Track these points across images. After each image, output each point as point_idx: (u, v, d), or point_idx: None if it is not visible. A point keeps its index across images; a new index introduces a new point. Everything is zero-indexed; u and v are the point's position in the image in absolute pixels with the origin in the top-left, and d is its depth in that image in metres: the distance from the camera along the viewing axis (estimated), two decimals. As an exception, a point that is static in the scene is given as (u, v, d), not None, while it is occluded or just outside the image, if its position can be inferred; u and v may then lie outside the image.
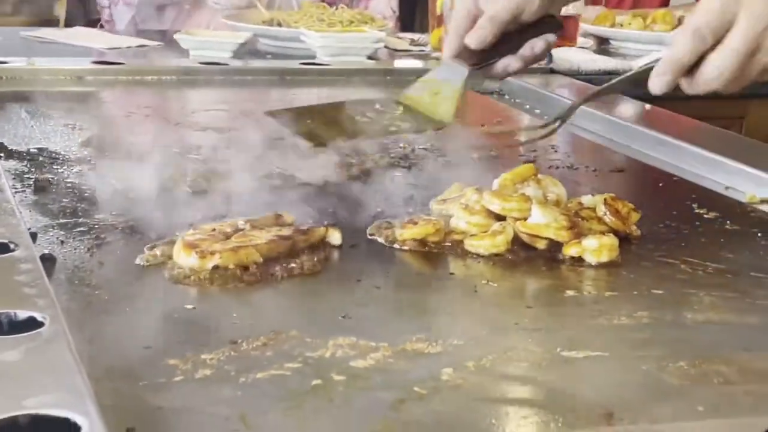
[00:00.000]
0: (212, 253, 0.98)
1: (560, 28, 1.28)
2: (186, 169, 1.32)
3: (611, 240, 1.09)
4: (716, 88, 1.03)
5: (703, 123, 1.71)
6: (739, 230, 1.21)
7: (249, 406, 0.75)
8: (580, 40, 2.46)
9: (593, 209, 1.16)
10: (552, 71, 2.14)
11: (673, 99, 2.06)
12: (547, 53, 1.28)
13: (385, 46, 2.31)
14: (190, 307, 0.93)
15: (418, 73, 2.06)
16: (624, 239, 1.13)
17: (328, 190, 1.30)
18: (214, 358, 0.82)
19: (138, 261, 1.02)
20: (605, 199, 1.16)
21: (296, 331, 0.88)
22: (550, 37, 1.24)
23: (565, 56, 2.18)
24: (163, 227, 1.10)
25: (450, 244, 1.11)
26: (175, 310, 0.92)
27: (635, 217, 1.16)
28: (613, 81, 1.21)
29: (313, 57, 2.17)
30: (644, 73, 1.08)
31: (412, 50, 2.39)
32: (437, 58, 2.25)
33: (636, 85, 1.11)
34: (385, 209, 1.20)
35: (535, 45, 1.22)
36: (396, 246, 1.10)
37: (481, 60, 1.22)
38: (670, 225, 1.21)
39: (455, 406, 0.78)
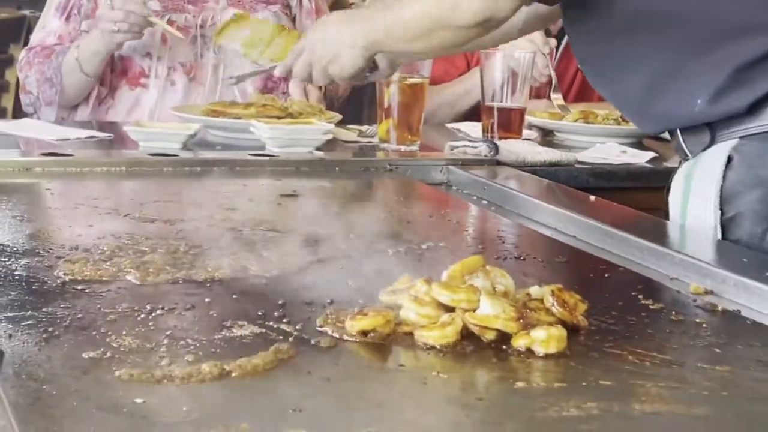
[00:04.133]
0: None
1: None
2: (135, 262, 1.32)
3: (559, 331, 1.10)
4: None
5: (647, 214, 1.74)
6: (684, 321, 1.23)
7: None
8: (525, 132, 2.50)
9: (541, 300, 1.17)
10: (498, 163, 2.17)
11: (618, 190, 2.11)
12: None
13: (334, 137, 2.33)
14: (139, 401, 0.92)
15: (366, 164, 2.13)
16: (572, 330, 1.14)
17: (278, 281, 1.30)
18: (163, 454, 0.81)
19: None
20: (552, 291, 1.17)
21: (246, 425, 0.87)
22: None
23: (511, 148, 2.21)
24: (111, 320, 1.10)
25: (400, 335, 1.11)
26: (124, 404, 0.91)
27: (582, 308, 1.18)
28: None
29: (263, 148, 2.19)
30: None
31: (360, 141, 2.42)
32: (385, 149, 2.28)
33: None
34: (334, 300, 1.20)
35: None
36: (346, 337, 1.10)
37: None
38: (616, 316, 1.23)
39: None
